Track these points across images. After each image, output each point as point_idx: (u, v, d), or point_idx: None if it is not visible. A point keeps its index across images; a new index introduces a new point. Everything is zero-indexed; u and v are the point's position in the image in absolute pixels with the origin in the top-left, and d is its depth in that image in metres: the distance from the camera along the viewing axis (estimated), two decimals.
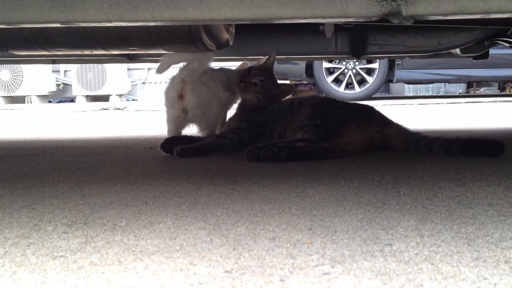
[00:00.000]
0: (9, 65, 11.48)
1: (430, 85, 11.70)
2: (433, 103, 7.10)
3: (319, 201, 1.33)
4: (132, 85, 12.57)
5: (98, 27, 1.79)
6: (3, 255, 0.94)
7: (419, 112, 5.71)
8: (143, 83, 12.69)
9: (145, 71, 12.71)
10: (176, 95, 2.39)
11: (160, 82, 12.45)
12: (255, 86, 2.46)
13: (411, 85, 11.73)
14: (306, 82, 10.12)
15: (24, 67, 11.72)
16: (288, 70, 8.35)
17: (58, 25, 1.42)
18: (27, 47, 2.04)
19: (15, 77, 11.92)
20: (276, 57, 2.60)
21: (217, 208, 1.27)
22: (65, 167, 2.08)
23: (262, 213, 1.22)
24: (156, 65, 2.45)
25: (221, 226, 1.11)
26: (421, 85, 11.64)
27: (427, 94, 11.67)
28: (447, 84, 11.14)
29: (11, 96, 12.07)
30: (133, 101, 12.21)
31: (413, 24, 1.36)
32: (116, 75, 11.87)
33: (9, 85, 11.95)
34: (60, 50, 2.03)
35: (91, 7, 1.37)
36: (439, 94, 11.47)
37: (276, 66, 8.14)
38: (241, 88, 2.47)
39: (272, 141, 2.20)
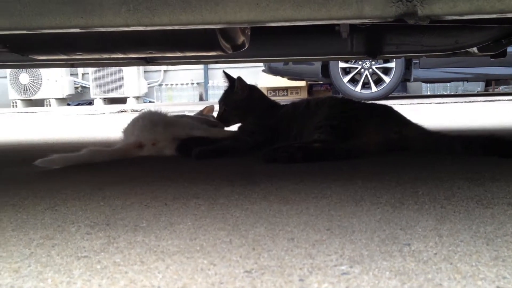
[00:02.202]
0: (28, 69, 11.64)
1: (448, 84, 11.60)
2: (451, 102, 7.04)
3: (336, 201, 1.34)
4: (148, 87, 12.67)
5: (117, 32, 1.81)
6: (29, 256, 0.97)
7: (437, 111, 5.67)
8: (160, 85, 12.78)
9: (161, 73, 12.80)
10: (150, 145, 2.37)
11: (177, 84, 12.53)
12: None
13: (428, 84, 11.64)
14: (322, 82, 10.11)
15: (43, 70, 11.88)
16: (303, 71, 8.34)
17: (77, 30, 1.45)
18: (47, 52, 2.07)
19: (34, 81, 12.09)
20: (292, 58, 2.62)
21: (235, 209, 1.29)
22: (85, 169, 2.11)
23: (281, 213, 1.23)
24: (172, 67, 2.48)
25: (240, 227, 1.12)
26: (439, 84, 11.54)
27: (445, 93, 11.57)
28: (465, 82, 11.03)
29: (30, 100, 12.24)
30: (150, 103, 12.30)
31: (429, 23, 1.36)
32: (133, 78, 11.97)
33: (28, 89, 12.13)
34: (79, 54, 2.06)
35: (109, 12, 1.39)
36: (457, 93, 11.37)
37: (292, 67, 8.21)
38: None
39: (288, 142, 2.21)
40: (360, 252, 0.92)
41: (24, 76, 12.03)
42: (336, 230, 1.07)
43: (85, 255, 0.96)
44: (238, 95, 2.55)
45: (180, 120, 2.60)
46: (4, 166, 2.38)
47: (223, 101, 2.60)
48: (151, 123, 2.38)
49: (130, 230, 1.13)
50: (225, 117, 2.56)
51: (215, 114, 2.73)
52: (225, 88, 2.67)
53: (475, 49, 2.86)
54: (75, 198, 1.49)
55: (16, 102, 12.25)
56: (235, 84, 2.56)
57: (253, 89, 2.65)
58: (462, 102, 7.02)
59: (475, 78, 8.57)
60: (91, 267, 0.89)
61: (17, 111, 9.66)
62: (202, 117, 2.72)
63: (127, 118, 2.54)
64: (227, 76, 2.61)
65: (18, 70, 11.86)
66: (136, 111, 7.81)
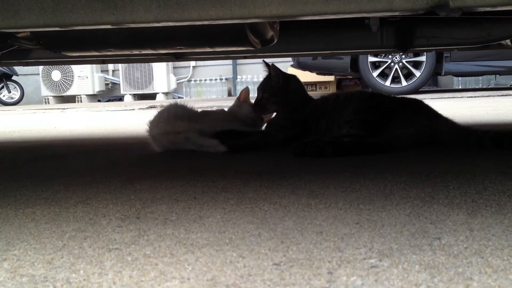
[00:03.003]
0: (60, 65, 11.85)
1: (480, 77, 11.37)
2: (483, 96, 6.91)
3: (366, 195, 1.33)
4: (177, 83, 12.77)
5: (147, 28, 1.83)
6: (61, 248, 0.99)
7: (468, 105, 5.57)
8: (189, 80, 12.86)
9: (190, 69, 12.88)
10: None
11: (205, 80, 12.60)
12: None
13: (460, 78, 11.44)
14: (351, 77, 10.03)
15: (74, 67, 12.10)
16: (332, 65, 8.28)
17: (109, 26, 1.47)
18: (79, 48, 2.11)
19: (65, 78, 12.31)
20: (320, 52, 2.60)
21: (264, 203, 1.29)
22: (116, 164, 2.15)
23: (309, 207, 1.23)
24: (201, 63, 2.50)
25: (269, 220, 1.13)
26: (470, 77, 11.33)
27: (477, 87, 11.36)
28: (497, 76, 10.80)
29: (62, 96, 12.48)
30: (179, 99, 12.39)
31: (461, 16, 1.34)
32: (162, 74, 12.09)
33: (60, 85, 12.36)
34: (110, 51, 2.09)
35: (140, 8, 1.41)
36: (489, 87, 11.15)
37: (321, 61, 8.16)
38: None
39: (317, 137, 2.21)
40: (389, 245, 0.92)
41: (56, 73, 12.26)
42: (365, 224, 1.07)
43: (116, 247, 0.98)
44: (274, 81, 2.55)
45: (208, 114, 2.62)
46: (36, 161, 2.43)
47: (261, 87, 2.59)
48: (175, 116, 2.41)
49: (160, 223, 1.14)
50: (262, 104, 2.54)
51: (251, 99, 2.70)
52: (264, 76, 2.66)
53: (508, 42, 2.80)
54: (106, 192, 1.52)
55: (48, 99, 12.50)
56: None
57: (291, 79, 2.62)
58: (494, 95, 6.88)
59: (508, 71, 8.36)
60: (122, 259, 0.91)
61: (49, 107, 9.84)
62: (233, 114, 2.70)
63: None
64: (266, 64, 2.60)
65: (50, 67, 12.10)
66: None
